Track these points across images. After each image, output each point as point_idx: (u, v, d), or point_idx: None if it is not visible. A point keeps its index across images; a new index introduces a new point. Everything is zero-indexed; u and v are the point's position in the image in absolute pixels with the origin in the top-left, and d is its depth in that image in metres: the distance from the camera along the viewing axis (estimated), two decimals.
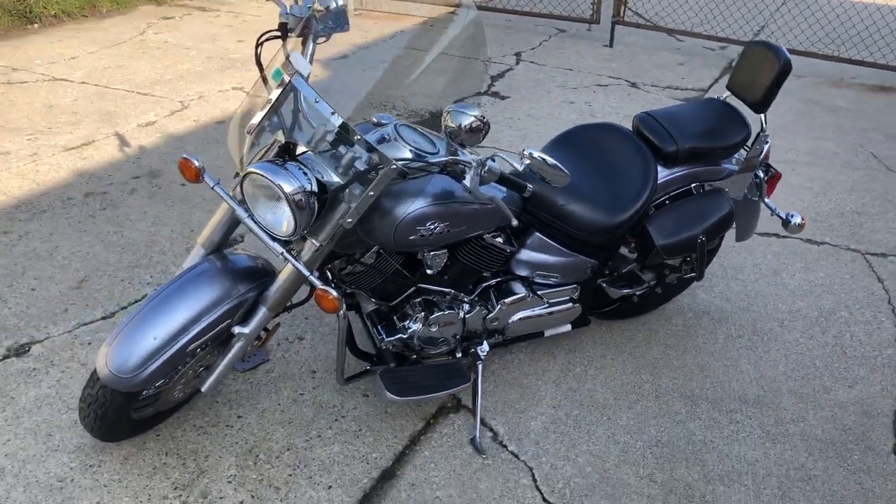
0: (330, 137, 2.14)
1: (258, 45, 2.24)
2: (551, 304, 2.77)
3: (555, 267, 2.70)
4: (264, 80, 2.21)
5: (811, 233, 4.04)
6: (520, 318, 2.73)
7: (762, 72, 2.73)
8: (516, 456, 2.58)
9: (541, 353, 3.04)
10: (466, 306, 2.64)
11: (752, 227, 3.19)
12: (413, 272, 2.52)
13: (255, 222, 2.18)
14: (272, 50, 2.24)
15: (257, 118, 2.16)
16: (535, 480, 2.49)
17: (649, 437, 2.68)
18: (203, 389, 2.39)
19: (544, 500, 2.42)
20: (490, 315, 2.67)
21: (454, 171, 2.13)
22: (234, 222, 2.36)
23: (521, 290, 2.70)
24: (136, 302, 3.19)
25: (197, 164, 2.19)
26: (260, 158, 2.22)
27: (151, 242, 3.62)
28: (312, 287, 2.13)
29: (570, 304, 2.80)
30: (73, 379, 2.77)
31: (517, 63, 6.72)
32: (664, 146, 2.73)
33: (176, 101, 5.35)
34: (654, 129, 2.78)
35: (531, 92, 6.02)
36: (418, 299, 2.58)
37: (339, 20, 2.24)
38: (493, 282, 2.70)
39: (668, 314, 3.34)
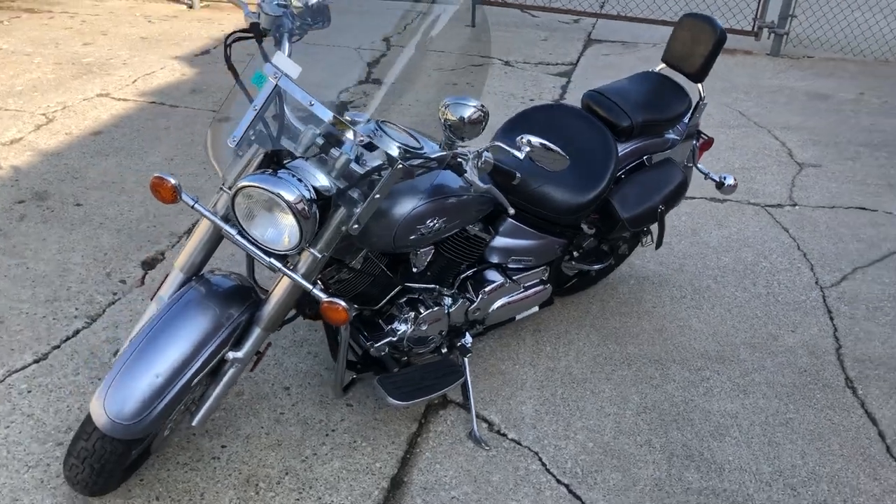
0: (322, 141, 2.03)
1: (227, 46, 2.08)
2: (526, 288, 2.78)
3: (528, 250, 2.71)
4: (240, 84, 2.05)
5: (715, 192, 4.26)
6: (499, 306, 2.71)
7: (699, 43, 2.85)
8: (518, 443, 2.57)
9: (508, 338, 3.04)
10: (449, 300, 2.59)
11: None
12: (396, 272, 2.44)
13: (246, 239, 2.03)
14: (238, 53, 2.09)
15: (240, 128, 2.00)
16: (543, 464, 2.50)
17: (635, 404, 2.76)
18: (194, 423, 2.20)
19: (559, 482, 2.44)
20: (472, 306, 2.63)
21: (454, 165, 2.09)
22: (215, 241, 2.19)
23: (497, 277, 2.68)
24: (67, 339, 2.88)
25: (173, 182, 1.99)
26: (244, 170, 2.07)
27: (64, 271, 3.28)
28: (318, 301, 2.01)
29: (543, 286, 2.82)
30: (23, 434, 2.47)
31: (388, 48, 6.63)
32: (619, 121, 2.79)
33: (38, 115, 4.86)
34: (606, 106, 2.83)
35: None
36: (403, 299, 2.50)
37: (318, 16, 2.11)
38: (469, 273, 2.67)
39: (612, 284, 3.44)
